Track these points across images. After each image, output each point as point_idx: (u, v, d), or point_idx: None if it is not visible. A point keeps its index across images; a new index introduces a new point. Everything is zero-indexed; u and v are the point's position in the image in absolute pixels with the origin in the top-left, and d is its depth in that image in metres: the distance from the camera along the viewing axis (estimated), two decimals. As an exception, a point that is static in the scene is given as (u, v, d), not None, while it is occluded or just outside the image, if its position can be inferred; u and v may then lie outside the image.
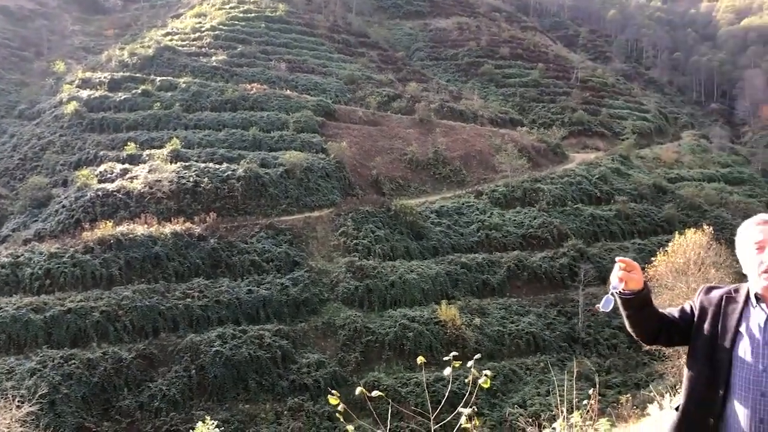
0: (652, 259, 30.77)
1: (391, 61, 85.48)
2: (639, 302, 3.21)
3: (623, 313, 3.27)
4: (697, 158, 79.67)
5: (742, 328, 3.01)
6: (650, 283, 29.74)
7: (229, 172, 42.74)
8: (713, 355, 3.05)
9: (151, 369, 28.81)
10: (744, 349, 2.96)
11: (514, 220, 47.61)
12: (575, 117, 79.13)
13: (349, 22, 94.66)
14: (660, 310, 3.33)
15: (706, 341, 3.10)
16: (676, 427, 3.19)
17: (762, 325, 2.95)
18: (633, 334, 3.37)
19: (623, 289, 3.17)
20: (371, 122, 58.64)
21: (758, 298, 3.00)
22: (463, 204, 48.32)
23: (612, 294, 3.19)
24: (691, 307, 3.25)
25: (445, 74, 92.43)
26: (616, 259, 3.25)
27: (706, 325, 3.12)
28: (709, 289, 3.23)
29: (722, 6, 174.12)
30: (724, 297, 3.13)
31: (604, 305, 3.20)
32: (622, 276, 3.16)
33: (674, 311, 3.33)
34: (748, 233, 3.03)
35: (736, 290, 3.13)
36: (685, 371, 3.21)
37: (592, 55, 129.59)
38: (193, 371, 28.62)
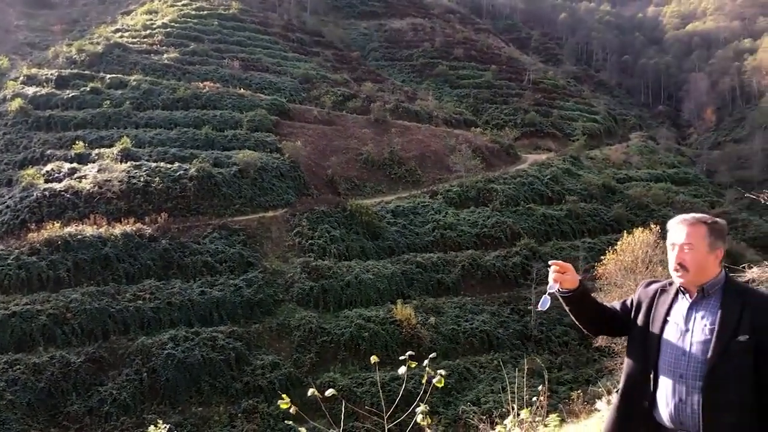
0: (602, 257, 31.46)
1: (346, 60, 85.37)
2: (577, 298, 3.57)
3: (566, 308, 3.63)
4: (644, 159, 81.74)
5: (670, 317, 3.31)
6: (600, 282, 30.46)
7: (181, 172, 42.03)
8: (645, 342, 3.36)
9: (101, 373, 28.12)
10: (669, 335, 3.27)
11: (469, 219, 48.08)
12: (527, 118, 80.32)
13: (303, 21, 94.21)
14: (602, 303, 3.69)
15: (640, 330, 3.42)
16: (616, 409, 3.49)
17: (684, 314, 3.26)
18: (579, 326, 3.69)
19: (560, 288, 3.55)
20: (326, 122, 58.45)
21: (682, 290, 3.33)
22: (418, 204, 48.57)
23: (549, 294, 3.54)
24: (632, 301, 3.57)
25: (400, 74, 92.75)
26: (550, 262, 3.63)
27: (641, 315, 3.44)
28: (649, 284, 3.57)
29: (668, 11, 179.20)
30: (658, 289, 3.46)
31: (542, 305, 3.59)
32: (556, 277, 3.54)
33: (616, 304, 3.67)
34: (669, 233, 3.35)
35: (671, 283, 3.43)
36: (625, 359, 3.54)
37: (544, 57, 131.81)
38: (145, 374, 28.05)
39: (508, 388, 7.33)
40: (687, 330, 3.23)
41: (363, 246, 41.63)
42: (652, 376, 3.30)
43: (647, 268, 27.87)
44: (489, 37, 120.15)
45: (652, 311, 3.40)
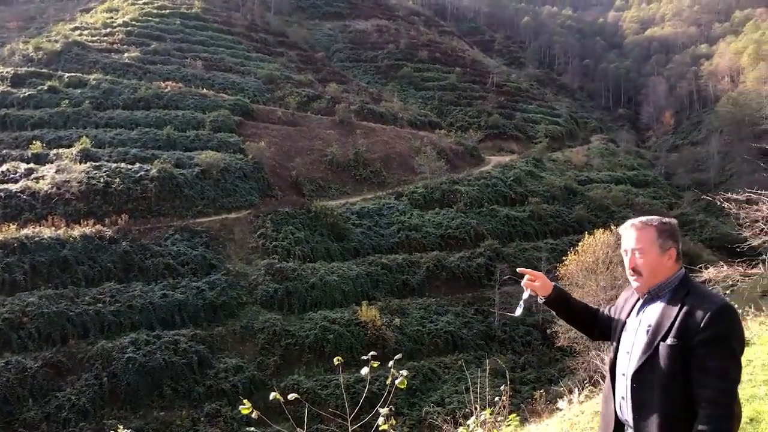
0: (564, 258, 31.89)
1: (311, 61, 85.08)
2: (554, 304, 3.71)
3: (558, 317, 3.81)
4: (605, 161, 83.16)
5: (629, 318, 3.42)
6: (562, 282, 30.82)
7: (142, 173, 41.34)
8: (613, 342, 3.51)
9: (59, 378, 27.45)
10: (624, 336, 3.39)
11: (433, 221, 48.30)
12: (491, 121, 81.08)
13: (267, 21, 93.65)
14: (592, 307, 3.80)
15: (613, 332, 3.55)
16: (601, 407, 3.61)
17: (636, 315, 3.37)
18: (580, 333, 3.92)
19: (532, 294, 3.69)
20: (291, 122, 58.13)
21: (638, 292, 3.43)
22: (383, 205, 48.62)
23: (523, 301, 3.68)
24: (617, 306, 3.68)
25: (365, 76, 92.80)
26: (518, 270, 3.75)
27: (615, 315, 3.59)
28: (624, 293, 3.66)
29: (628, 16, 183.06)
30: (626, 297, 3.57)
31: (517, 311, 3.74)
32: (527, 284, 3.68)
33: (608, 309, 3.76)
34: (622, 238, 3.44)
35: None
36: None
37: (507, 60, 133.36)
38: (105, 379, 27.47)
39: (472, 388, 7.36)
40: (634, 331, 3.33)
41: (328, 247, 41.49)
42: (611, 374, 3.46)
43: (608, 268, 28.32)
44: (453, 39, 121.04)
45: (621, 312, 3.53)
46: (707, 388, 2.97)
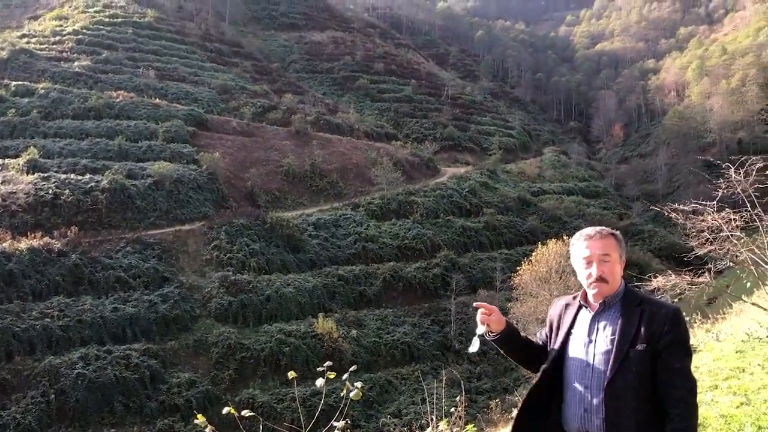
0: (518, 268, 32.30)
1: (266, 72, 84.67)
2: (505, 340, 3.58)
3: (500, 351, 3.67)
4: (557, 173, 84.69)
5: (574, 329, 3.39)
6: (516, 291, 31.20)
7: (93, 184, 40.42)
8: (553, 356, 3.43)
9: (4, 396, 26.44)
10: (574, 348, 3.35)
11: (390, 231, 48.39)
12: (446, 132, 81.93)
13: (222, 31, 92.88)
14: (531, 340, 3.73)
15: (552, 344, 3.50)
16: (517, 421, 3.48)
17: (587, 326, 3.34)
18: (518, 365, 3.77)
19: (488, 331, 3.55)
20: (246, 133, 57.66)
21: (582, 304, 3.43)
22: (340, 216, 48.51)
23: (478, 336, 3.57)
24: (549, 323, 3.63)
25: (321, 87, 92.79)
26: (474, 304, 3.67)
27: (552, 332, 3.55)
28: (556, 301, 3.65)
29: (579, 31, 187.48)
30: (564, 305, 3.55)
31: (472, 347, 3.59)
32: (482, 319, 3.55)
33: (542, 334, 3.71)
34: (577, 248, 3.42)
35: (575, 297, 3.52)
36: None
37: (462, 73, 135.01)
38: (52, 396, 26.58)
39: (428, 399, 7.35)
40: (590, 341, 3.30)
41: (283, 259, 41.14)
42: (559, 388, 3.40)
43: (561, 278, 28.79)
44: (409, 52, 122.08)
45: (560, 326, 3.48)
46: (677, 389, 3.09)
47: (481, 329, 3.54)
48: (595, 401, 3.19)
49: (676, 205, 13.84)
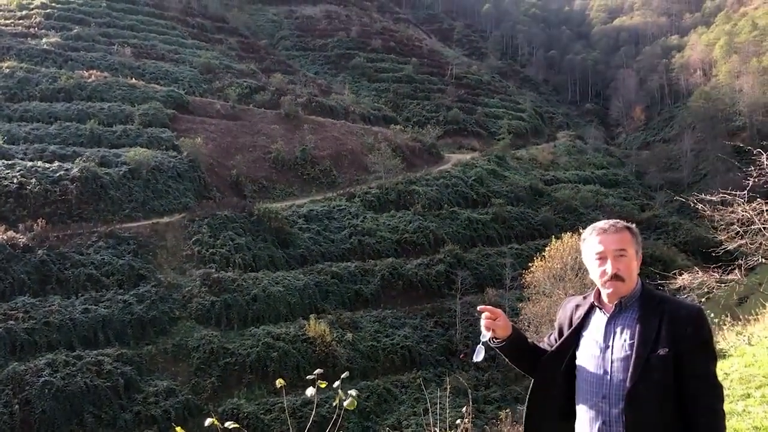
0: (530, 264, 32.19)
1: (253, 49, 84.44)
2: (511, 347, 3.51)
3: (505, 359, 3.60)
4: (572, 159, 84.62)
5: (587, 333, 3.36)
6: (528, 290, 31.09)
7: (62, 172, 40.24)
8: (561, 363, 3.40)
9: (-37, 406, 26.40)
10: (588, 354, 3.31)
11: (389, 224, 48.28)
12: (450, 115, 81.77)
13: (204, 4, 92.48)
14: (538, 345, 3.67)
15: (558, 350, 3.46)
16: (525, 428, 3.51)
17: (603, 330, 3.30)
18: (525, 375, 3.64)
19: (492, 338, 3.48)
20: (231, 116, 57.49)
21: (595, 305, 3.38)
22: (333, 207, 48.40)
23: (482, 343, 3.48)
24: (558, 327, 3.60)
25: (313, 66, 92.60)
26: (479, 308, 3.55)
27: (563, 336, 3.50)
28: (567, 302, 3.61)
29: (595, 4, 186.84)
30: (574, 306, 3.51)
31: (476, 355, 3.52)
32: (487, 324, 3.45)
33: (550, 339, 3.69)
34: (589, 244, 3.39)
35: (585, 297, 3.50)
36: (533, 382, 3.53)
37: (468, 50, 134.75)
38: (16, 406, 26.46)
39: (431, 409, 7.23)
40: (607, 347, 3.26)
41: (272, 255, 41.04)
42: (563, 395, 3.39)
43: (577, 275, 28.65)
44: (409, 27, 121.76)
45: (569, 329, 3.45)
46: (702, 396, 3.10)
47: (485, 336, 3.47)
48: (614, 412, 3.16)
49: (703, 195, 13.73)
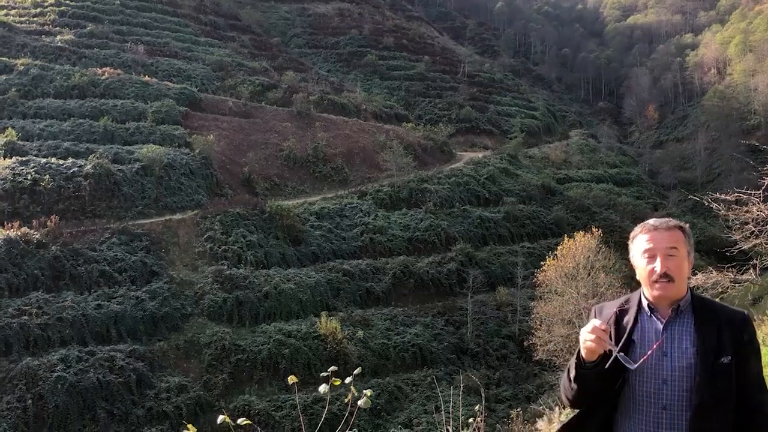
0: (542, 263, 32.07)
1: (266, 47, 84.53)
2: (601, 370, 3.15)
3: (574, 385, 3.22)
4: (585, 158, 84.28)
5: (636, 337, 3.19)
6: (540, 289, 30.99)
7: (76, 169, 40.46)
8: (610, 373, 3.13)
9: (-23, 401, 26.61)
10: (640, 360, 3.13)
11: (400, 222, 48.24)
12: (463, 113, 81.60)
13: (217, 2, 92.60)
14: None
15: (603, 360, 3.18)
16: None
17: (659, 336, 3.15)
18: (575, 403, 3.34)
19: (585, 360, 3.12)
20: (243, 114, 57.59)
21: (652, 308, 3.21)
22: (345, 205, 48.40)
23: (620, 355, 3.09)
24: None
25: (325, 63, 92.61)
26: (601, 326, 3.07)
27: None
28: (601, 309, 3.41)
29: (609, 2, 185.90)
30: (617, 311, 3.30)
31: (629, 364, 3.09)
32: (593, 348, 3.06)
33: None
34: (638, 242, 3.26)
35: (627, 301, 3.33)
36: (574, 394, 3.28)
37: (480, 48, 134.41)
38: (30, 401, 26.66)
39: (443, 407, 7.21)
40: (664, 354, 3.12)
41: (283, 252, 41.08)
42: (613, 404, 3.23)
43: (589, 274, 28.53)
44: (421, 25, 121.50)
45: (618, 338, 3.22)
46: (764, 404, 3.08)
47: (615, 349, 3.09)
48: (678, 423, 3.07)
49: (717, 195, 13.64)
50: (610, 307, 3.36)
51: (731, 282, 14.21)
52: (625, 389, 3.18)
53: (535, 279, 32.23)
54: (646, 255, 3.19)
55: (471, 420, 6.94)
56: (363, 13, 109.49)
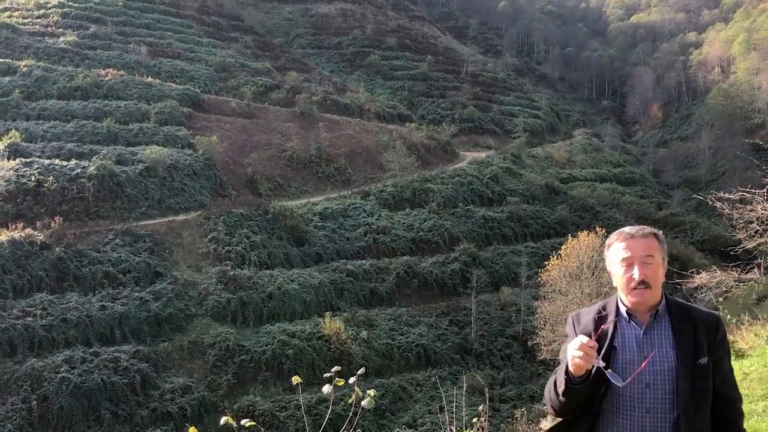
0: (545, 263, 32.05)
1: (269, 47, 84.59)
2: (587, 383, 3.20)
3: (562, 397, 3.24)
4: (589, 157, 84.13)
5: (617, 344, 3.25)
6: (544, 289, 30.99)
7: (79, 170, 40.53)
8: (592, 379, 3.17)
9: (-18, 402, 26.69)
10: (622, 367, 3.19)
11: (404, 222, 48.23)
12: (466, 113, 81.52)
13: (220, 3, 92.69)
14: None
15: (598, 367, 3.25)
16: None
17: (639, 342, 3.22)
18: (555, 410, 3.37)
19: (574, 376, 3.14)
20: (246, 114, 57.65)
21: (630, 314, 3.29)
22: (348, 205, 48.40)
23: (606, 370, 3.12)
24: None
25: (328, 64, 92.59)
26: (588, 343, 3.07)
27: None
28: (578, 316, 3.47)
29: (612, 1, 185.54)
30: (595, 318, 3.35)
31: (616, 381, 3.11)
32: (581, 365, 3.07)
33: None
34: (614, 250, 3.34)
35: (604, 307, 3.39)
36: (558, 399, 3.30)
37: (483, 48, 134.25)
38: (34, 402, 26.72)
39: (447, 407, 7.22)
40: (645, 359, 3.18)
41: (287, 253, 41.11)
42: (597, 410, 3.28)
43: (593, 274, 28.50)
44: (424, 25, 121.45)
45: (606, 346, 3.25)
46: (735, 401, 3.25)
47: (601, 363, 3.12)
48: (662, 425, 3.13)
49: (721, 194, 13.64)
50: (587, 314, 3.40)
51: (735, 281, 14.19)
52: (609, 394, 3.22)
53: (539, 279, 32.22)
54: (624, 263, 3.25)
55: (475, 420, 6.96)
56: (366, 13, 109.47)
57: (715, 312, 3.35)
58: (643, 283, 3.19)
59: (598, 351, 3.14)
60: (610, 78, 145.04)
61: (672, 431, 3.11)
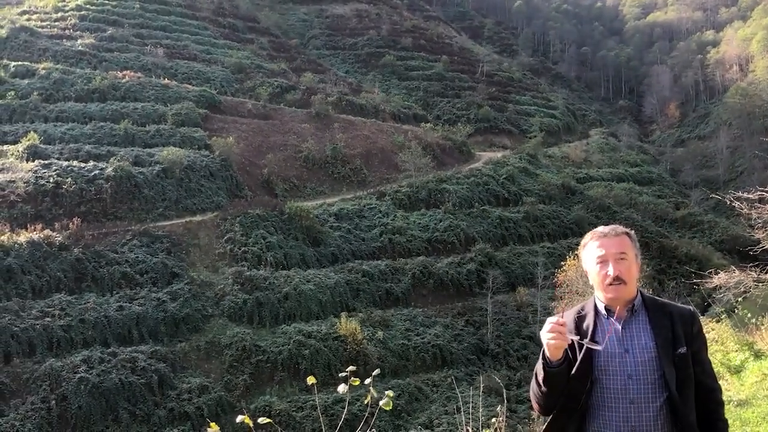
0: (562, 263, 31.91)
1: (284, 49, 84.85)
2: (564, 370, 3.38)
3: (543, 386, 3.39)
4: (605, 157, 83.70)
5: (598, 338, 3.40)
6: (560, 289, 30.83)
7: (97, 172, 40.83)
8: (588, 375, 3.37)
9: (1, 402, 26.87)
10: (605, 361, 3.35)
11: (419, 223, 48.18)
12: (481, 113, 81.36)
13: (236, 5, 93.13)
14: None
15: (582, 362, 3.41)
16: None
17: (619, 336, 3.37)
18: (542, 405, 3.49)
19: (550, 360, 3.32)
20: (262, 116, 57.83)
21: (608, 310, 3.44)
22: (364, 206, 48.41)
23: (589, 343, 3.35)
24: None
25: (343, 65, 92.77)
26: (558, 320, 3.31)
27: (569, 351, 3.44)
28: (563, 317, 3.51)
29: (628, 0, 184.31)
30: (575, 317, 3.54)
31: (593, 345, 3.35)
32: (556, 344, 3.25)
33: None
34: (589, 249, 3.55)
35: (583, 308, 3.59)
36: (545, 396, 3.46)
37: (498, 48, 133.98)
38: (53, 402, 26.93)
39: (463, 408, 7.20)
40: (626, 351, 3.34)
41: (303, 253, 41.18)
42: (591, 407, 3.41)
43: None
44: (439, 25, 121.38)
45: (587, 341, 3.42)
46: (715, 391, 3.43)
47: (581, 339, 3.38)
48: (646, 415, 3.25)
49: (740, 193, 13.52)
50: (568, 315, 3.56)
51: (754, 281, 14.05)
52: (594, 389, 3.36)
53: (556, 279, 32.07)
54: (599, 260, 3.45)
55: (493, 420, 6.94)
56: (381, 13, 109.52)
57: (691, 308, 3.50)
58: (618, 279, 3.36)
59: (580, 348, 3.34)
60: (627, 77, 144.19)
61: (655, 420, 3.25)
